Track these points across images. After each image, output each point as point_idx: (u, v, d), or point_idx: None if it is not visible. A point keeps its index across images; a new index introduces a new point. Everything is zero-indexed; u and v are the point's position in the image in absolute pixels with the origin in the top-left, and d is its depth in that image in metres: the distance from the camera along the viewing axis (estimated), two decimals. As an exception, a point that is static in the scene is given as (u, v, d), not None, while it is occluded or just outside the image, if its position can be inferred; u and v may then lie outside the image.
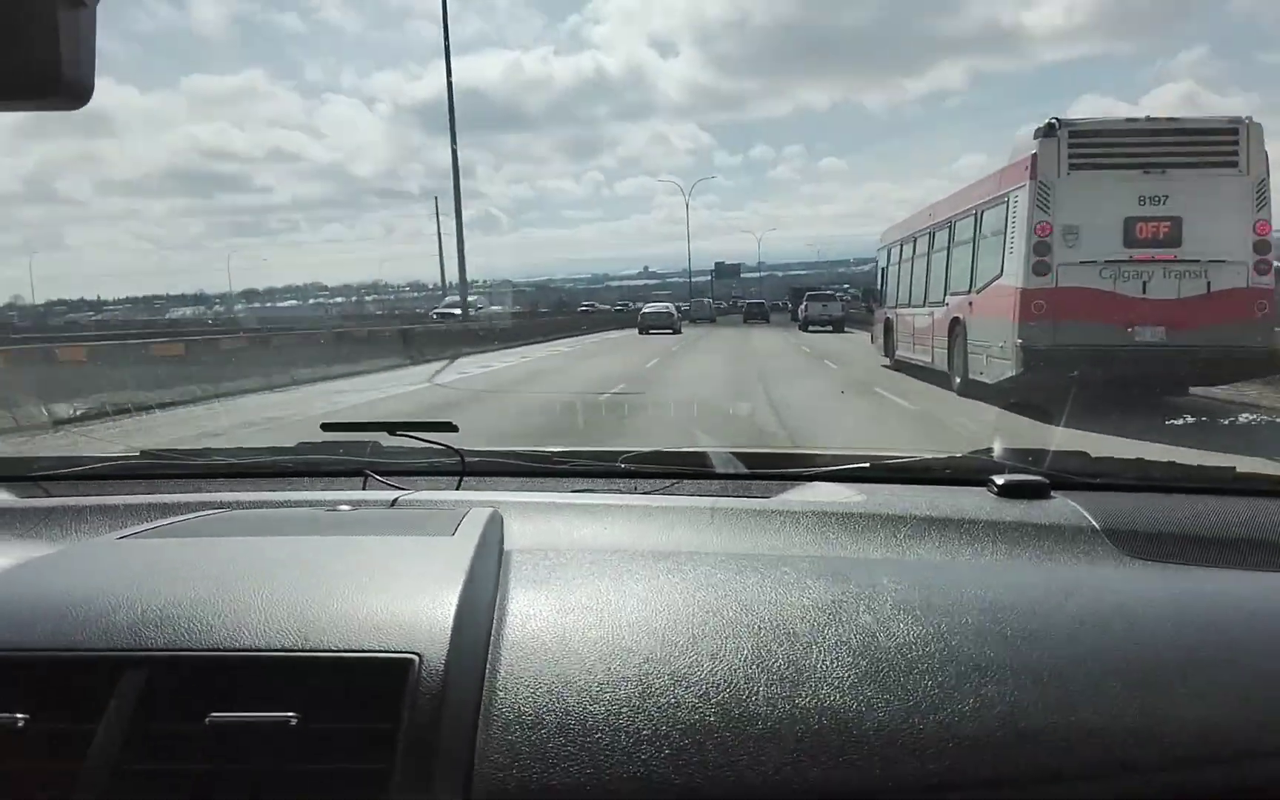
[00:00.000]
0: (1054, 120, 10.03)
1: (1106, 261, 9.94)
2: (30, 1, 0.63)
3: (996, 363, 10.86)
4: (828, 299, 43.08)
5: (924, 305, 14.87)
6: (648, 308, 43.55)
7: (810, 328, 39.03)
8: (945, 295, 13.53)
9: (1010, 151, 11.10)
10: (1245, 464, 1.63)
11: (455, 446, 1.59)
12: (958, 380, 12.56)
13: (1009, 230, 10.68)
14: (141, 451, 1.80)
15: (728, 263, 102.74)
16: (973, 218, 12.35)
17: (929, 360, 14.42)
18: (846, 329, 38.22)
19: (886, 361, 18.03)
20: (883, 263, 19.01)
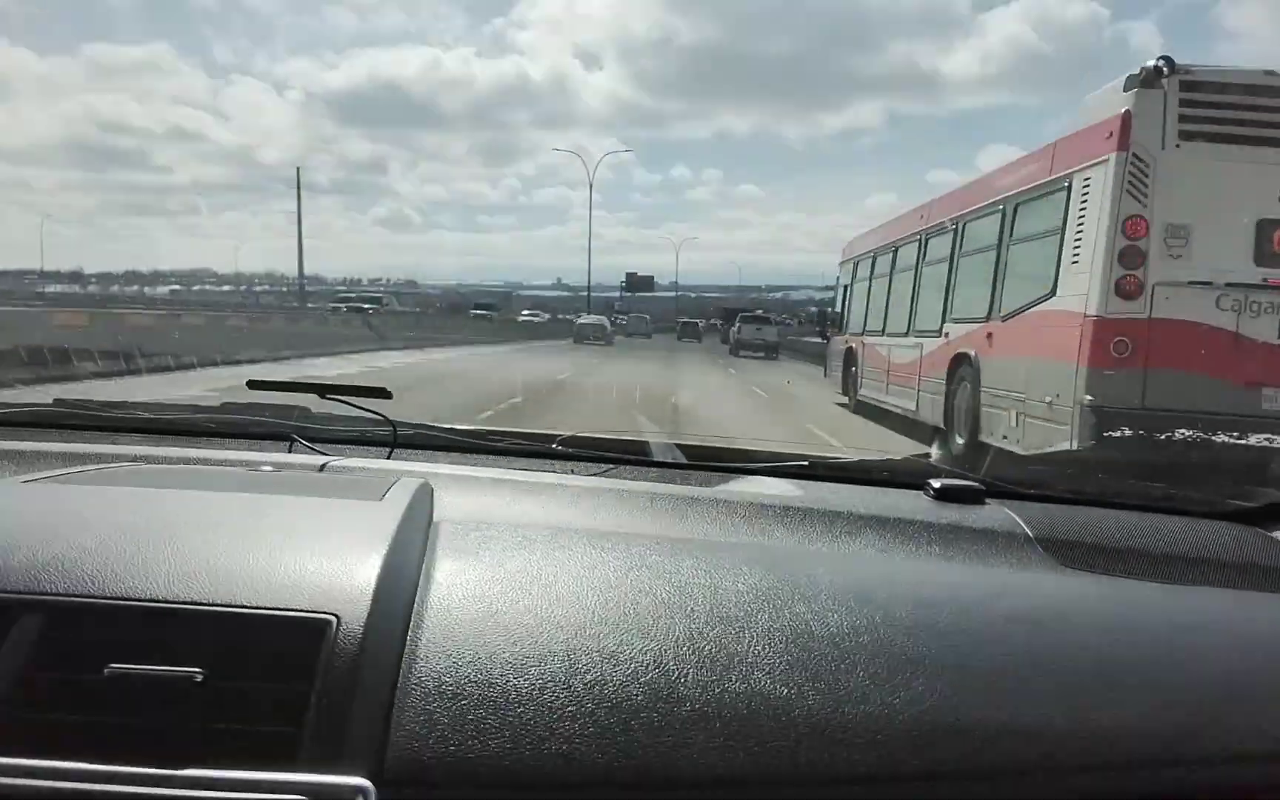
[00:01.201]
0: (1162, 60, 6.57)
1: (1229, 284, 6.53)
2: None
3: (1038, 426, 7.36)
4: (763, 322, 39.92)
5: (906, 334, 11.39)
6: (583, 319, 46.12)
7: (742, 353, 35.84)
8: (943, 322, 10.05)
9: (1078, 113, 7.63)
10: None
11: (388, 416, 1.54)
12: (960, 440, 9.08)
13: (1071, 229, 7.19)
14: (55, 400, 1.74)
15: (640, 275, 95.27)
16: (997, 216, 8.86)
17: (910, 406, 10.95)
18: (779, 356, 35.28)
19: (844, 400, 14.56)
20: (845, 279, 15.45)
